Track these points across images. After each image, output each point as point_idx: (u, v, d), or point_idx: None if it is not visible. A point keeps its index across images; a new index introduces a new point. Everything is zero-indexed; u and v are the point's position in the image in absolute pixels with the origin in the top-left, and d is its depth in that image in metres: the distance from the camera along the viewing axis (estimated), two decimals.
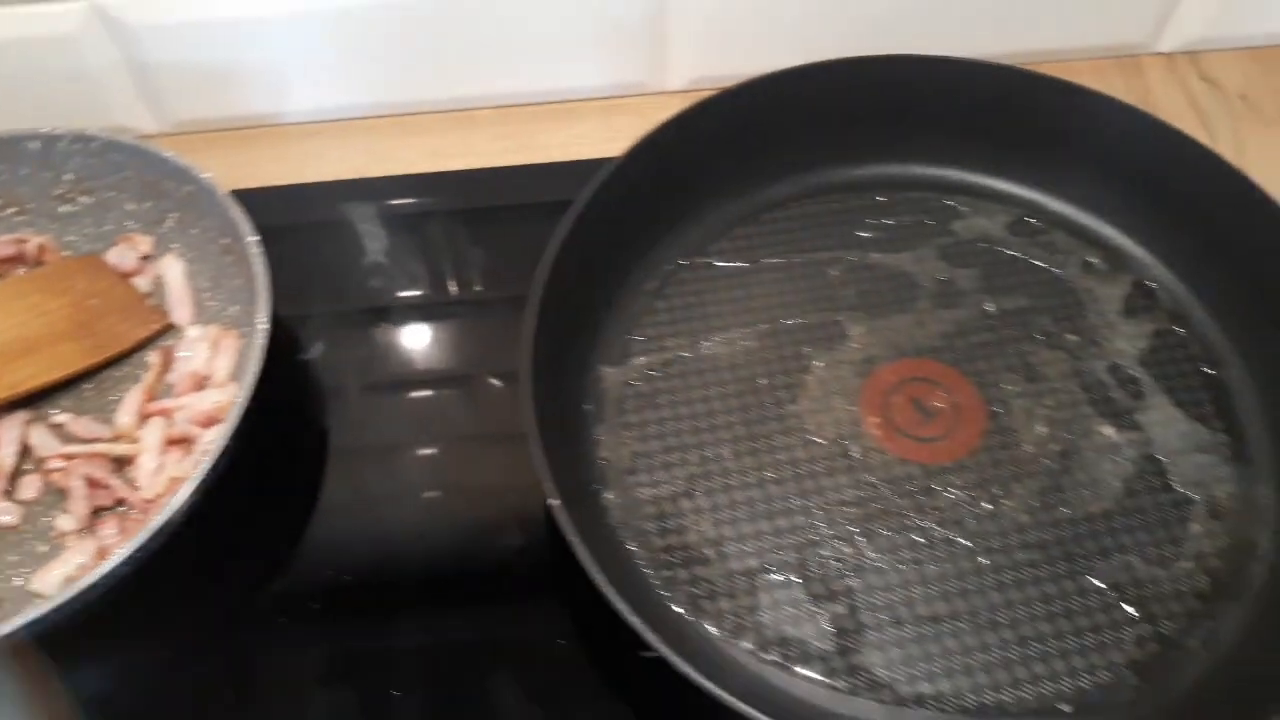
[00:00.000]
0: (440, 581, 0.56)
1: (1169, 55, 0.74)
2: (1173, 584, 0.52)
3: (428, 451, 0.61)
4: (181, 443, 0.59)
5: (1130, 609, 0.52)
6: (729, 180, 0.65)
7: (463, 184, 0.71)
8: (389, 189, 0.71)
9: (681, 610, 0.52)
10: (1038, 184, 0.65)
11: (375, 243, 0.69)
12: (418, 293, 0.67)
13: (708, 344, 0.61)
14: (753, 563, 0.54)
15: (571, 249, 0.56)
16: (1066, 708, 0.49)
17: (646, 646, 0.45)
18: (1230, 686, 0.49)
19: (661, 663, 0.45)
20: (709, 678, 0.44)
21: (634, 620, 0.45)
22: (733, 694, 0.44)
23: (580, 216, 0.56)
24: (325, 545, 0.58)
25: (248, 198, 0.71)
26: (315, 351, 0.64)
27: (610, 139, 0.69)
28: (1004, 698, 0.50)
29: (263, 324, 0.55)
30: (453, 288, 0.67)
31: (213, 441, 0.52)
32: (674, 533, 0.55)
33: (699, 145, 0.62)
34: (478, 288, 0.67)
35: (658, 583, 0.53)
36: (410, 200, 0.70)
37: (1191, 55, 0.74)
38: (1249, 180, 0.59)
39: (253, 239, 0.58)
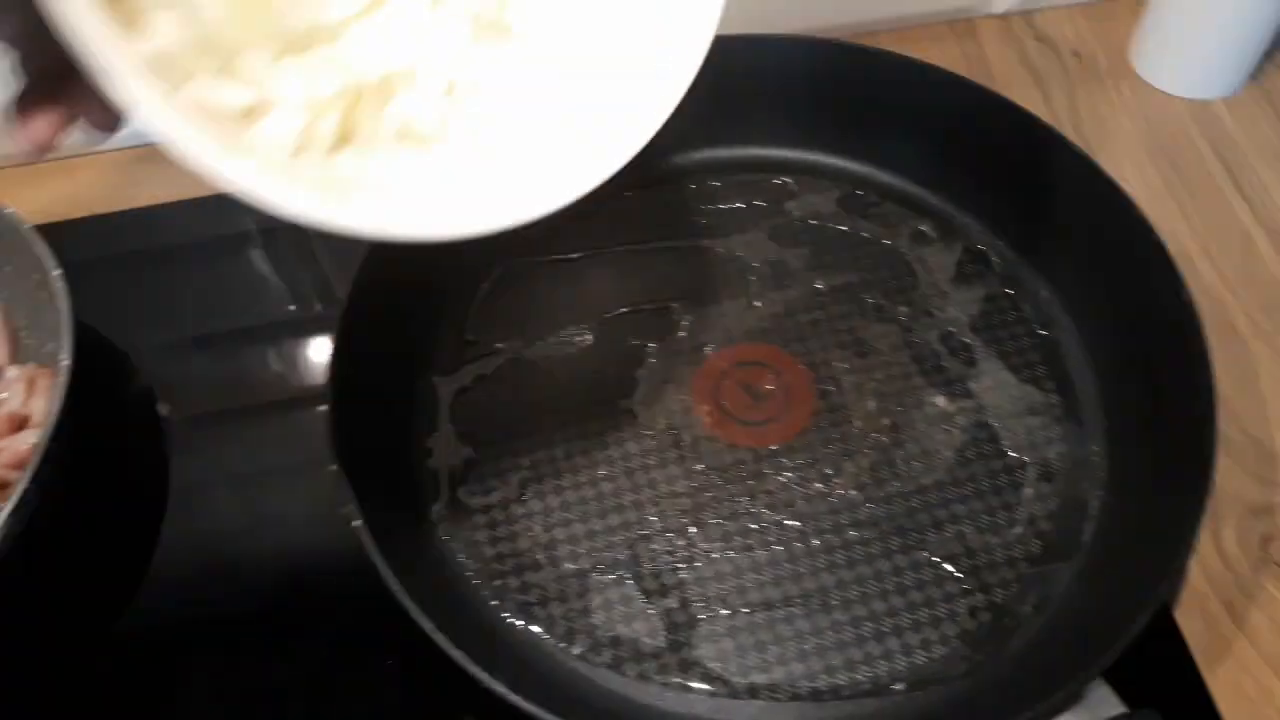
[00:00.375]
0: (281, 612, 0.54)
1: (1003, 16, 0.74)
2: (1005, 550, 0.52)
3: (269, 479, 0.59)
4: (3, 488, 0.57)
5: (963, 580, 0.51)
6: None
7: None
8: (218, 210, 0.69)
9: (514, 619, 0.51)
10: (867, 157, 0.64)
11: (206, 267, 0.67)
12: (252, 315, 0.65)
13: (541, 343, 0.60)
14: (584, 564, 0.53)
15: (381, 261, 0.55)
16: (900, 686, 0.49)
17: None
18: (1061, 647, 0.49)
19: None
20: (531, 687, 0.44)
21: (439, 638, 0.44)
22: (550, 706, 0.43)
23: None
24: (165, 583, 0.56)
25: (70, 228, 0.70)
26: (145, 383, 0.62)
27: None
28: (838, 681, 0.49)
29: (65, 361, 0.54)
30: (288, 308, 0.65)
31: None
32: (505, 540, 0.53)
33: None
34: (316, 306, 0.65)
35: (488, 593, 0.52)
36: (242, 219, 0.68)
37: (1026, 15, 0.74)
38: (1066, 140, 0.58)
39: (56, 273, 0.56)
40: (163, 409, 0.61)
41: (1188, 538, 0.46)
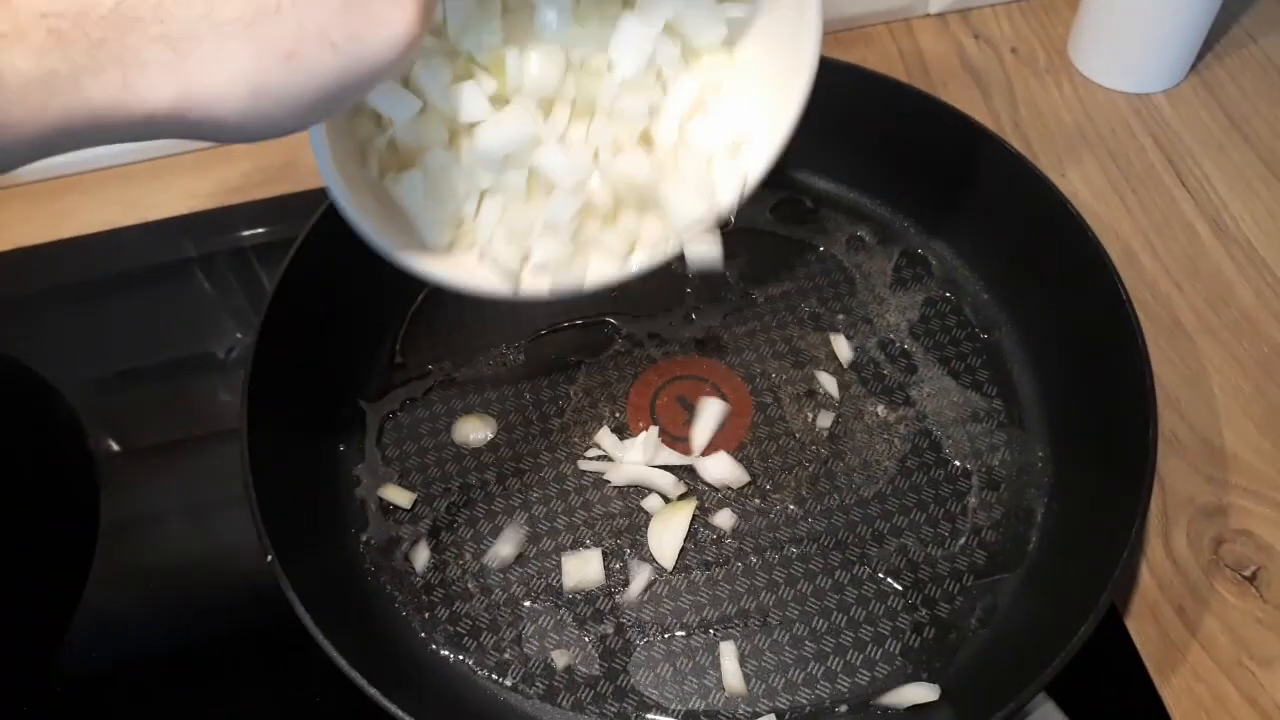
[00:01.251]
0: (213, 649, 0.52)
1: (940, 16, 0.73)
2: (949, 562, 0.51)
3: (203, 513, 0.57)
4: None
5: (906, 594, 0.50)
6: None
7: (218, 223, 0.67)
8: (148, 239, 0.67)
9: (444, 651, 0.49)
10: (802, 164, 0.63)
11: (137, 297, 0.65)
12: (185, 347, 0.63)
13: (473, 364, 0.58)
14: (516, 591, 0.51)
15: (296, 286, 0.53)
16: (843, 708, 0.47)
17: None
18: (1008, 660, 0.47)
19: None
20: None
21: (353, 675, 0.42)
22: None
23: (302, 248, 0.53)
24: (96, 619, 0.53)
25: None
26: (74, 417, 0.60)
27: None
28: (779, 705, 0.47)
29: None
30: (217, 336, 0.63)
31: None
32: (435, 569, 0.52)
33: None
34: (235, 335, 0.63)
35: (417, 625, 0.50)
36: (166, 247, 0.66)
37: (962, 13, 0.73)
38: (1002, 139, 0.57)
39: None
40: (92, 443, 0.60)
41: (1130, 542, 0.45)
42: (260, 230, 0.67)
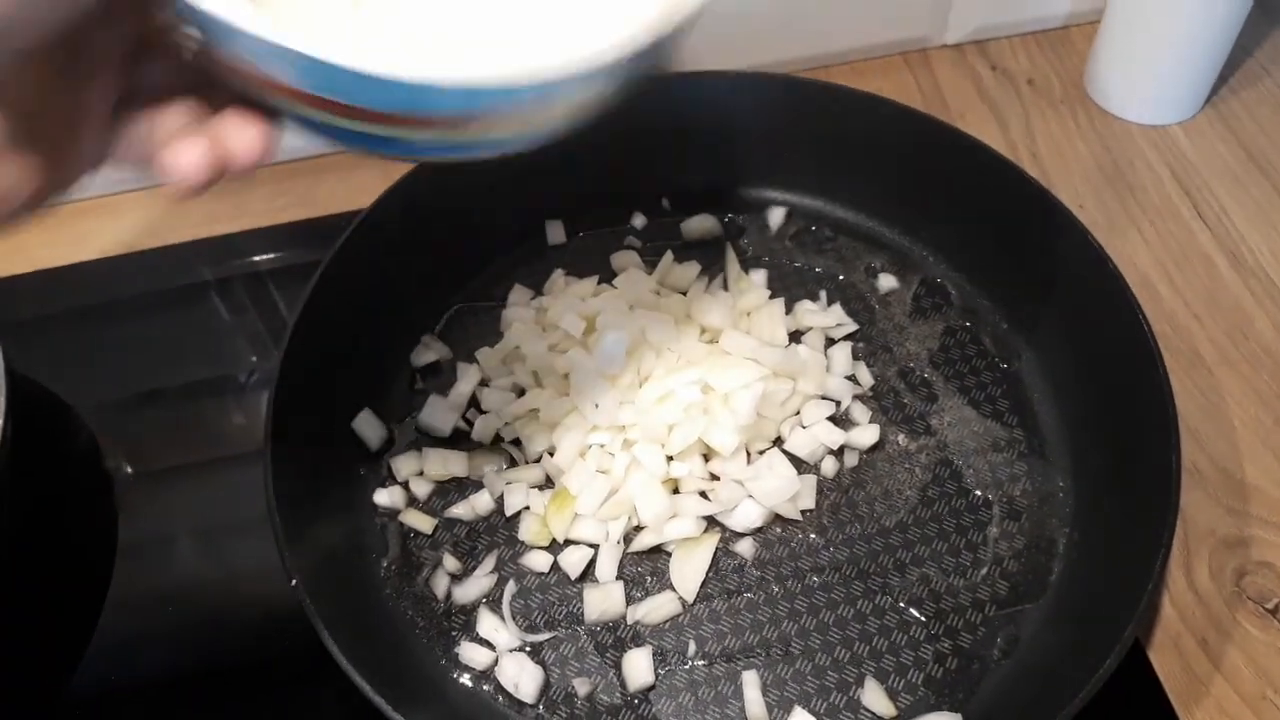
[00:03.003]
0: (230, 672, 0.52)
1: (956, 46, 0.74)
2: (971, 593, 0.50)
3: (220, 536, 0.57)
4: None
5: (928, 624, 0.50)
6: (502, 218, 0.62)
7: (236, 248, 0.67)
8: (166, 263, 0.67)
9: (465, 679, 0.49)
10: (820, 192, 0.64)
11: (154, 320, 0.65)
12: (202, 369, 0.63)
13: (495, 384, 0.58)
14: (537, 619, 0.51)
15: (320, 309, 0.53)
16: None
17: None
18: (1032, 691, 0.47)
19: None
20: None
21: (377, 699, 0.42)
22: None
23: (325, 275, 0.54)
24: (113, 642, 0.53)
25: (14, 283, 0.68)
26: (91, 439, 0.60)
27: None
28: None
29: (0, 418, 0.52)
30: (243, 359, 0.63)
31: None
32: (455, 595, 0.51)
33: (459, 187, 0.59)
34: (254, 358, 0.63)
35: (439, 651, 0.50)
36: (186, 270, 0.67)
37: (979, 45, 0.74)
38: (1021, 170, 0.57)
39: None
40: (110, 464, 0.60)
41: (1156, 574, 0.45)
42: (278, 255, 0.67)
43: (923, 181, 0.61)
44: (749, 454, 0.53)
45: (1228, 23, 0.65)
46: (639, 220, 0.64)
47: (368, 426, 0.55)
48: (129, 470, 0.60)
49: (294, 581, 0.45)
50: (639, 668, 0.48)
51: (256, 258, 0.67)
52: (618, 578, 0.51)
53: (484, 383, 0.57)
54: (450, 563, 0.52)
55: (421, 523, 0.53)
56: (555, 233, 0.64)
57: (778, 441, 0.54)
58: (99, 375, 0.64)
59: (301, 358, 0.52)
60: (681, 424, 0.51)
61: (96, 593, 0.55)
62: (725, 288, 0.60)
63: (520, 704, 0.48)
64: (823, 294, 0.60)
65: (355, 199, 0.68)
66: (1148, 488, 0.48)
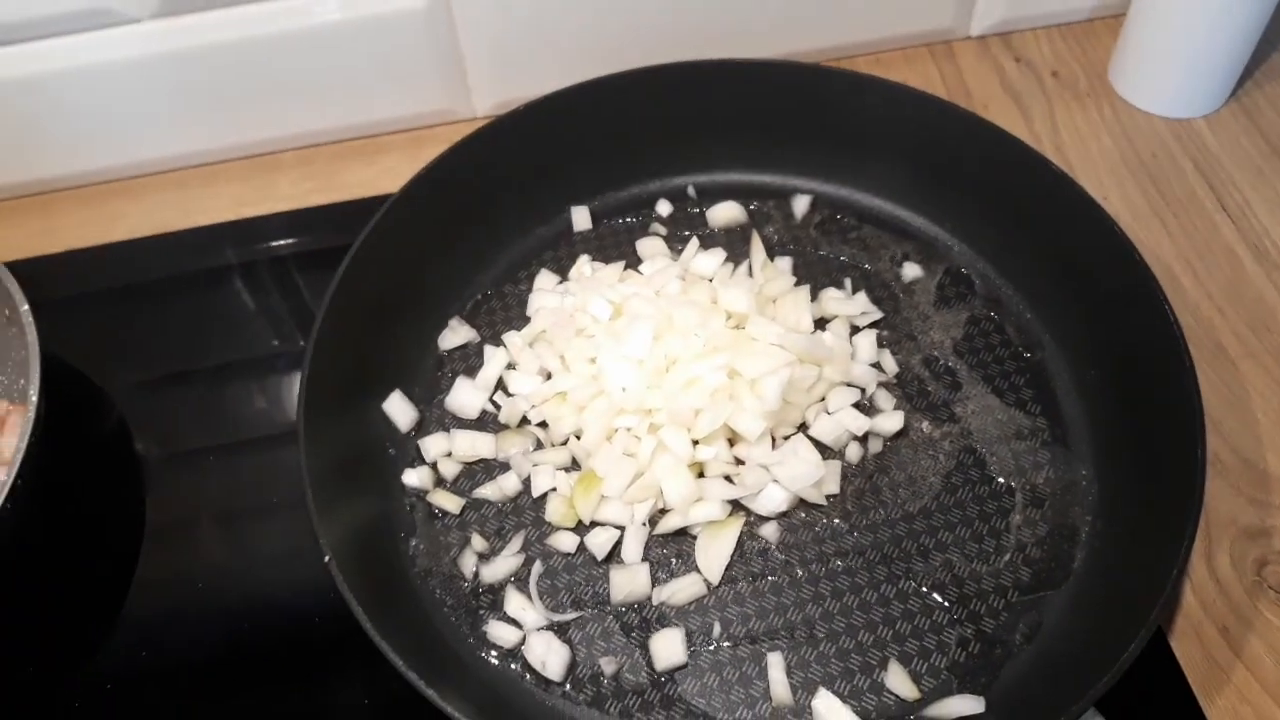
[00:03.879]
0: (255, 651, 0.53)
1: (981, 38, 0.74)
2: (994, 579, 0.51)
3: (247, 516, 0.58)
4: None
5: (951, 609, 0.50)
6: (529, 204, 0.63)
7: (263, 231, 0.68)
8: (196, 244, 0.68)
9: (493, 656, 0.50)
10: (844, 180, 0.64)
11: (184, 302, 0.66)
12: (230, 351, 0.64)
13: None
14: (563, 598, 0.51)
15: (350, 293, 0.54)
16: None
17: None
18: (1054, 676, 0.48)
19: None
20: None
21: (415, 679, 0.43)
22: None
23: (356, 258, 0.54)
24: (140, 621, 0.54)
25: (45, 264, 0.69)
26: (121, 419, 0.61)
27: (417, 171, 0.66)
28: (826, 718, 0.48)
29: (34, 398, 0.53)
30: (268, 343, 0.64)
31: None
32: (482, 575, 0.52)
33: (488, 172, 0.61)
34: (282, 341, 0.64)
35: (466, 629, 0.51)
36: (215, 252, 0.67)
37: (1003, 37, 0.74)
38: (1048, 160, 0.58)
39: (25, 308, 0.55)
40: (139, 446, 0.60)
41: (1179, 562, 0.45)
42: (305, 238, 0.68)
43: (948, 171, 0.61)
44: (774, 439, 0.54)
45: (1252, 17, 0.65)
46: (664, 208, 0.65)
47: (398, 408, 0.56)
48: (157, 451, 0.61)
49: (327, 558, 0.46)
50: (670, 647, 0.49)
51: (283, 241, 0.68)
52: (643, 559, 0.52)
53: (511, 366, 0.58)
54: (478, 542, 0.53)
55: (450, 503, 0.54)
56: (581, 219, 0.64)
57: (802, 427, 0.55)
58: (128, 356, 0.65)
59: (332, 340, 0.53)
60: (708, 409, 0.52)
61: (124, 572, 0.56)
62: (750, 275, 0.60)
63: (547, 682, 0.49)
64: (847, 282, 0.61)
65: (381, 184, 0.69)
66: (1171, 478, 0.49)
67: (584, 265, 0.62)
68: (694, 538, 0.52)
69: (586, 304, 0.57)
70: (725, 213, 0.64)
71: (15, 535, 0.51)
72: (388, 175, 0.69)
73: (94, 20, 0.63)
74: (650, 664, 0.49)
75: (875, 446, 0.55)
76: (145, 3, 0.63)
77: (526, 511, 0.54)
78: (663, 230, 0.64)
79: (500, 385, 0.58)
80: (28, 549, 0.54)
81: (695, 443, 0.53)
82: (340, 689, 0.51)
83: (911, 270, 0.61)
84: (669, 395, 0.53)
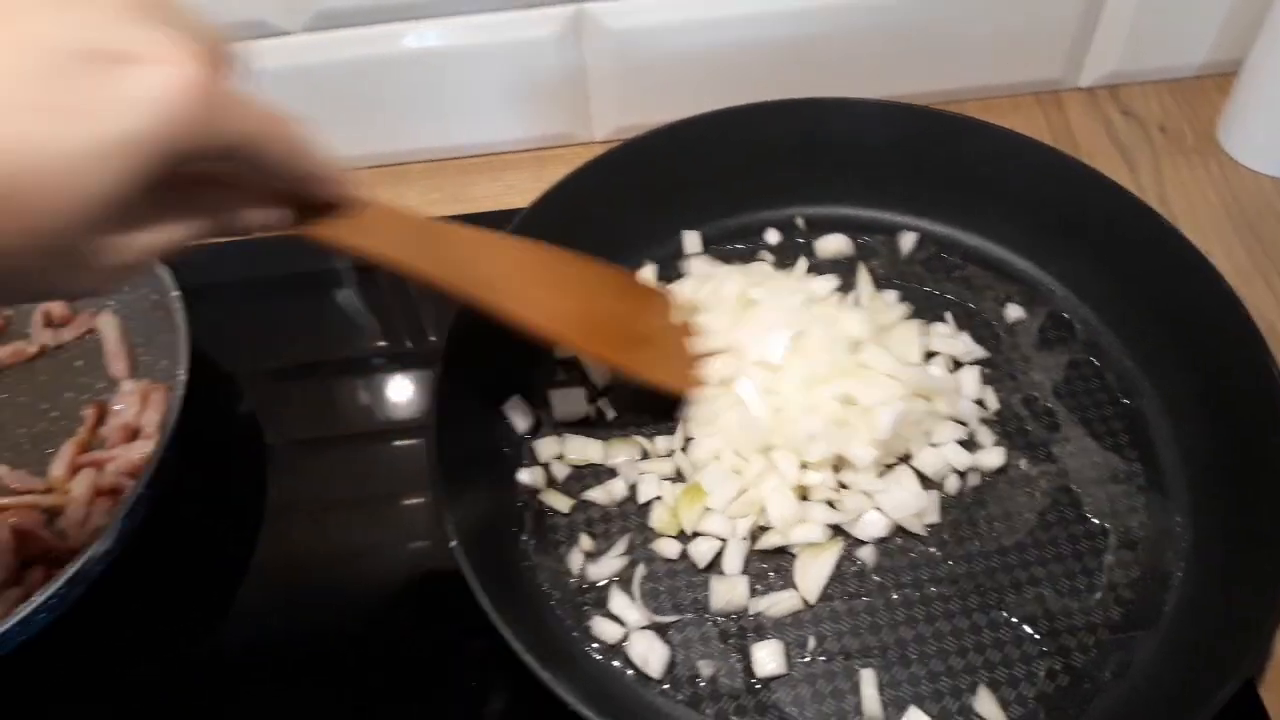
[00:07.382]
0: (375, 641, 0.55)
1: (1089, 90, 0.76)
2: (1085, 615, 0.52)
3: (361, 506, 0.61)
4: (112, 493, 0.59)
5: (1041, 641, 0.51)
6: (643, 225, 0.66)
7: None
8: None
9: (596, 652, 0.52)
10: (951, 220, 0.66)
11: (315, 298, 0.70)
12: (356, 347, 0.67)
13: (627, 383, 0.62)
14: (664, 601, 0.54)
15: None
16: None
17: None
18: (1139, 713, 0.49)
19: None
20: (611, 716, 0.45)
21: (532, 662, 0.46)
22: None
23: None
24: (257, 605, 0.57)
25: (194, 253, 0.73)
26: (251, 406, 0.65)
27: (541, 189, 0.68)
28: None
29: (182, 377, 0.57)
30: (390, 342, 0.68)
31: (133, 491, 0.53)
32: (589, 573, 0.54)
33: (608, 193, 0.64)
34: (408, 343, 0.67)
35: (571, 623, 0.53)
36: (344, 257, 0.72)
37: (1111, 89, 0.75)
38: (1155, 212, 0.59)
39: (175, 294, 0.60)
40: (269, 436, 0.64)
41: (1272, 616, 0.46)
42: None
43: (1055, 218, 0.63)
44: (877, 467, 0.56)
45: None
46: (773, 236, 0.67)
47: (516, 411, 0.59)
48: (281, 438, 0.64)
49: (453, 543, 0.49)
50: (772, 656, 0.51)
51: None
52: (743, 571, 0.54)
53: None
54: (585, 542, 0.56)
55: (560, 503, 0.57)
56: (691, 242, 0.67)
57: (905, 457, 0.57)
58: (259, 347, 0.68)
59: (464, 344, 0.56)
60: (822, 435, 0.54)
61: (244, 552, 0.59)
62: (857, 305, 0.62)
63: (647, 679, 0.51)
64: (950, 318, 0.63)
65: (506, 199, 0.72)
66: (1266, 533, 0.50)
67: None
68: (793, 555, 0.55)
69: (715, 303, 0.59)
70: (833, 244, 0.66)
71: (156, 507, 0.55)
72: (511, 191, 0.73)
73: (250, 30, 0.68)
74: (746, 670, 0.51)
75: (973, 480, 0.57)
76: (298, 16, 0.68)
77: (632, 516, 0.57)
78: (770, 257, 0.67)
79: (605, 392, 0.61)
80: (162, 522, 0.58)
81: (803, 465, 0.55)
82: (446, 672, 0.54)
83: (1014, 311, 0.63)
84: (788, 419, 0.55)
